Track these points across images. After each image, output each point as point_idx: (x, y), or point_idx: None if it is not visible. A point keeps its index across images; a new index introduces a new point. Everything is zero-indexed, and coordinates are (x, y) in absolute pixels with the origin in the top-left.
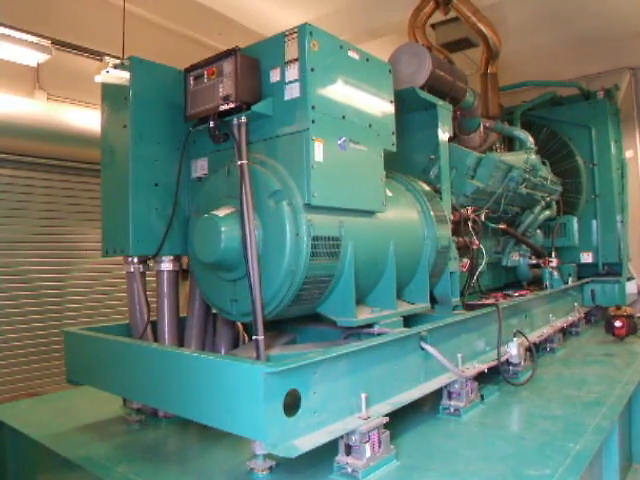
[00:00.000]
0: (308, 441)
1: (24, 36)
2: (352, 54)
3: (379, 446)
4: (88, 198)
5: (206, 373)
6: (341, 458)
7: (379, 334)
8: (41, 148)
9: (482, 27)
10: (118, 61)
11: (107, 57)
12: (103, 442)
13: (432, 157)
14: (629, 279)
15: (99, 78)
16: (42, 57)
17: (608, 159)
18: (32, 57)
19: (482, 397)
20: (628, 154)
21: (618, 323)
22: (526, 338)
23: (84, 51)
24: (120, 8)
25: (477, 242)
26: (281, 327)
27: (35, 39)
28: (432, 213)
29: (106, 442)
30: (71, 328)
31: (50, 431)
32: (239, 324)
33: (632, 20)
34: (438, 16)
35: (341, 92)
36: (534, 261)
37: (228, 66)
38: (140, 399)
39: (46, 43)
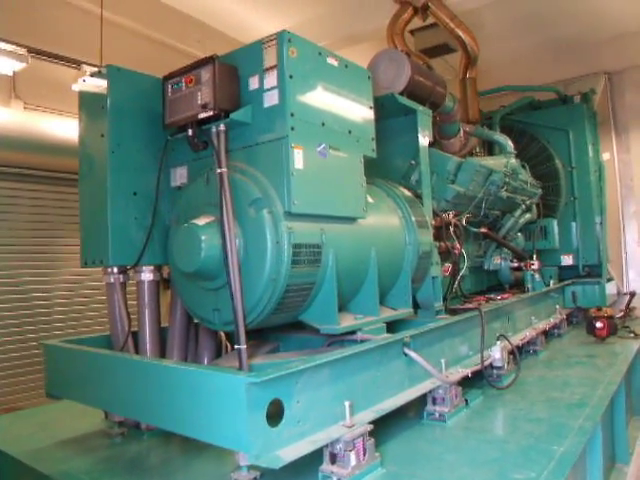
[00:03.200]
0: (292, 451)
1: None
2: (331, 61)
3: (364, 454)
4: (60, 208)
5: (188, 384)
6: (326, 467)
7: (362, 341)
8: (18, 158)
9: (460, 33)
10: (95, 69)
11: (85, 65)
12: (84, 457)
13: (412, 162)
14: (609, 280)
15: (76, 87)
16: (18, 66)
17: (586, 162)
18: (8, 66)
19: (466, 402)
20: (605, 157)
21: (599, 324)
22: (509, 341)
23: (61, 59)
24: (98, 16)
25: (459, 246)
26: (264, 335)
27: (11, 47)
28: (413, 218)
29: (88, 457)
30: (51, 340)
31: (29, 447)
32: (221, 333)
33: (606, 26)
34: (417, 22)
35: (320, 99)
36: (516, 264)
37: (206, 74)
38: (122, 412)
39: (22, 51)
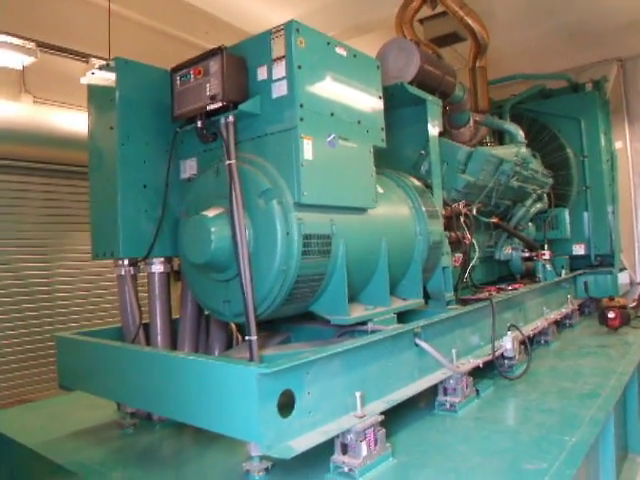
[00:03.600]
0: (303, 441)
1: (9, 39)
2: (339, 50)
3: (375, 444)
4: (75, 201)
5: (199, 375)
6: (337, 457)
7: (373, 331)
8: (29, 151)
9: (470, 21)
10: (104, 62)
11: (93, 58)
12: (97, 447)
13: (422, 152)
14: (621, 270)
15: (85, 80)
16: (27, 60)
17: (598, 151)
18: (17, 60)
19: (477, 392)
20: (617, 145)
21: (611, 314)
22: (520, 331)
23: (70, 53)
24: (105, 9)
25: (469, 236)
26: (275, 326)
27: (20, 42)
28: (424, 208)
29: (100, 447)
30: (63, 332)
31: (43, 438)
32: (232, 324)
33: (619, 12)
34: (426, 11)
35: (329, 89)
36: (527, 254)
37: (214, 65)
38: (134, 403)
39: (31, 46)
